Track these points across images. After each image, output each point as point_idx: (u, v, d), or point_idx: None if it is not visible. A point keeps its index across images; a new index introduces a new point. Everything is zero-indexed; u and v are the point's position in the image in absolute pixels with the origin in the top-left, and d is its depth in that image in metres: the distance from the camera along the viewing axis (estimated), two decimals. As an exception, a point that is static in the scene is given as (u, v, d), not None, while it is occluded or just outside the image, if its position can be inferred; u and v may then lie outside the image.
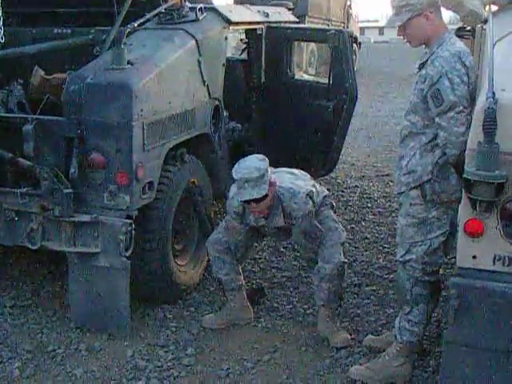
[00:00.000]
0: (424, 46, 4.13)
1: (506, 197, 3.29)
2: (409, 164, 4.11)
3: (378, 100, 14.93)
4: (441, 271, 5.38)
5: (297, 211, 4.79)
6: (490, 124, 3.19)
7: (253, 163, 4.67)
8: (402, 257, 4.25)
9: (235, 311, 5.23)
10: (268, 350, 4.87)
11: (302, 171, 5.24)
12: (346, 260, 5.08)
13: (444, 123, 3.85)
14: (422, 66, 4.05)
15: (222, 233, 5.11)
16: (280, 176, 4.93)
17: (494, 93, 3.23)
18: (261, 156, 4.77)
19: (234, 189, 4.93)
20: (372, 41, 34.15)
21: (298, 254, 6.30)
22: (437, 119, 3.90)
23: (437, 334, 4.89)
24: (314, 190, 4.93)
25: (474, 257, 3.43)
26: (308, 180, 5.11)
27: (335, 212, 5.25)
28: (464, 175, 3.29)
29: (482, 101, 3.26)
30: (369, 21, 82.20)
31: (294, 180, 4.93)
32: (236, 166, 4.75)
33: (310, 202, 4.81)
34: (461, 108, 3.80)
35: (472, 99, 3.85)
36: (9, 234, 4.94)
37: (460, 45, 3.99)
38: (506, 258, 3.39)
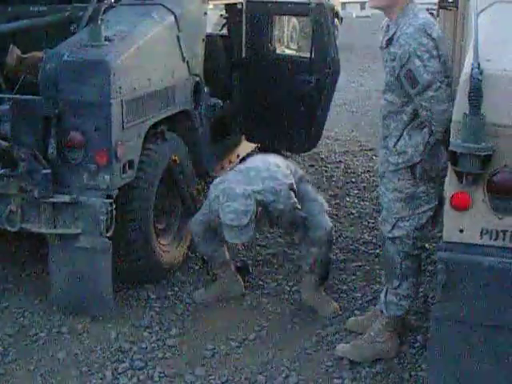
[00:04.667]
0: (386, 17, 4.06)
1: (493, 169, 3.23)
2: (397, 145, 4.03)
3: (360, 74, 14.85)
4: (427, 245, 5.39)
5: (283, 209, 4.73)
6: (476, 95, 3.12)
7: (240, 205, 4.53)
8: (389, 232, 4.19)
9: (226, 284, 5.21)
10: (254, 328, 4.83)
11: (277, 156, 5.16)
12: (334, 227, 5.08)
13: (425, 103, 3.80)
14: (389, 41, 3.95)
15: (206, 214, 5.03)
16: (257, 173, 4.77)
17: (479, 63, 3.16)
18: (247, 192, 4.58)
19: (215, 190, 4.82)
20: (354, 15, 33.98)
21: (282, 231, 6.24)
22: (416, 100, 3.84)
23: (424, 309, 4.86)
24: (291, 180, 4.83)
25: (461, 231, 3.37)
26: (285, 167, 4.99)
27: (318, 187, 5.23)
28: (450, 147, 3.23)
29: (467, 72, 3.20)
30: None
31: (273, 173, 4.78)
32: (222, 201, 4.61)
33: (293, 194, 4.75)
34: (438, 85, 3.74)
35: (446, 71, 3.80)
36: (-13, 216, 4.85)
37: (423, 16, 3.89)
38: (494, 232, 3.33)
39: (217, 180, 4.98)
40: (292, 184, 4.79)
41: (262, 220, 4.80)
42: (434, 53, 3.75)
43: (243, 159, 6.08)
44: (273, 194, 4.67)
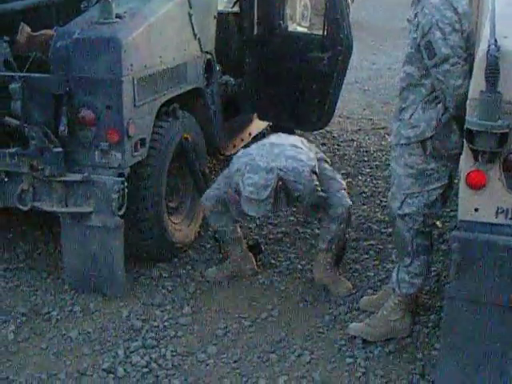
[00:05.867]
0: None
1: (510, 147, 3.19)
2: (412, 118, 4.00)
3: (372, 53, 14.72)
4: (440, 224, 5.36)
5: (302, 191, 4.73)
6: (493, 72, 3.08)
7: (261, 179, 4.54)
8: (399, 209, 4.17)
9: (238, 263, 5.20)
10: (266, 307, 4.83)
11: (301, 138, 5.17)
12: (351, 204, 5.07)
13: (440, 76, 3.76)
14: (416, 14, 3.91)
15: (220, 189, 5.02)
16: (282, 151, 4.78)
17: (496, 40, 3.12)
18: (269, 166, 4.60)
19: (237, 162, 4.82)
20: (365, -7, 33.79)
21: (295, 210, 6.21)
22: (432, 72, 3.80)
23: (437, 288, 4.84)
24: (314, 163, 4.84)
25: (476, 209, 3.34)
26: (307, 149, 5.00)
27: (331, 165, 5.22)
28: (466, 125, 3.19)
29: (483, 48, 3.15)
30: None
31: (297, 153, 4.79)
32: (243, 172, 4.63)
33: (314, 177, 4.75)
34: (455, 59, 3.70)
35: (467, 47, 3.75)
36: (-1, 195, 4.85)
37: None
38: (509, 211, 3.30)
39: (239, 153, 4.97)
40: (314, 166, 4.78)
41: (281, 199, 4.77)
42: (457, 27, 3.71)
43: (263, 136, 5.96)
44: (295, 173, 4.66)
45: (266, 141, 5.00)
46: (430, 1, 3.76)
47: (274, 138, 5.08)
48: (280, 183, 4.64)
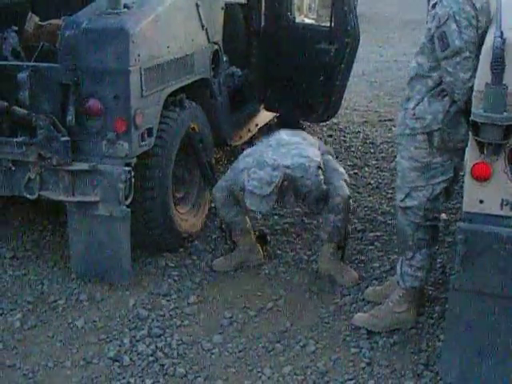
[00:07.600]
0: None
1: (515, 139, 3.21)
2: (416, 109, 3.98)
3: (379, 45, 14.69)
4: (445, 216, 5.37)
5: (310, 186, 4.78)
6: (498, 64, 3.09)
7: (266, 175, 4.61)
8: (401, 201, 4.17)
9: (245, 253, 5.22)
10: (271, 297, 4.84)
11: (304, 134, 5.30)
12: (350, 194, 5.08)
13: (450, 68, 3.74)
14: (434, 5, 3.90)
15: (230, 181, 5.05)
16: (288, 150, 4.87)
17: (502, 32, 3.12)
18: (276, 163, 4.67)
19: (243, 161, 4.92)
20: (373, -15, 33.68)
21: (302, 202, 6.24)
22: (442, 63, 3.78)
23: (442, 280, 4.85)
24: (320, 159, 4.90)
25: (481, 201, 3.35)
26: (314, 143, 5.10)
27: (337, 157, 5.24)
28: (471, 117, 3.20)
29: (489, 41, 3.16)
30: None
31: (303, 151, 4.89)
32: (250, 166, 4.71)
33: (320, 172, 4.80)
34: (467, 54, 3.67)
35: (480, 44, 3.74)
36: (6, 184, 4.86)
37: None
38: (514, 203, 3.32)
39: (246, 152, 5.05)
40: (320, 163, 4.85)
41: (288, 195, 4.82)
42: (473, 22, 3.68)
43: (269, 127, 5.99)
44: (302, 170, 4.74)
45: (271, 139, 5.08)
46: None
47: (279, 136, 5.14)
48: (286, 183, 4.69)
